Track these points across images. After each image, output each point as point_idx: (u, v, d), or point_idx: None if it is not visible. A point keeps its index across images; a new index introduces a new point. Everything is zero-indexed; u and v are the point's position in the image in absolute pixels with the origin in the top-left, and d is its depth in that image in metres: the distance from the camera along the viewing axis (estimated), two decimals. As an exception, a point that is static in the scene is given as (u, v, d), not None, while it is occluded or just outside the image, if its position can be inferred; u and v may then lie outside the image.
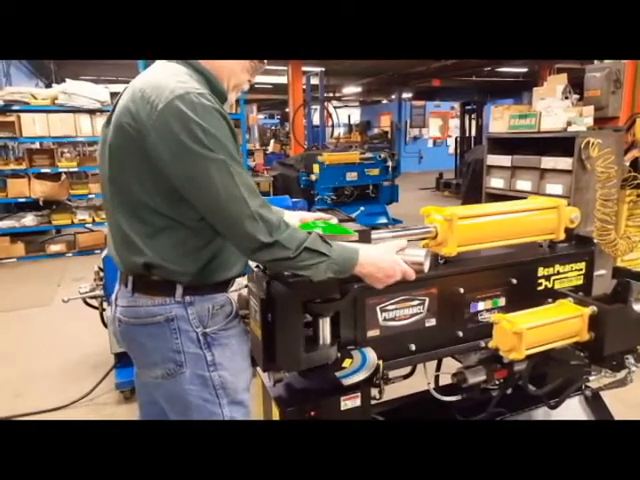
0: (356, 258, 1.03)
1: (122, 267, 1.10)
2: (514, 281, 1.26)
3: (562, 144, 3.31)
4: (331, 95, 14.73)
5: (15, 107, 4.84)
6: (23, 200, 5.20)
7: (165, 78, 0.97)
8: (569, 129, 3.34)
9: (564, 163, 3.29)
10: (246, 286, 1.30)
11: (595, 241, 1.39)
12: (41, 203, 5.25)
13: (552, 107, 3.53)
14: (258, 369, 1.17)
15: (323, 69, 8.68)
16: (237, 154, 0.99)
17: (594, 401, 1.48)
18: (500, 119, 4.01)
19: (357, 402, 1.08)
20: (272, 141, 12.48)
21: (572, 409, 1.44)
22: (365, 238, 1.12)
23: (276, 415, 1.08)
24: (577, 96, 3.67)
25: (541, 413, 1.39)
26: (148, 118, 0.94)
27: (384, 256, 1.07)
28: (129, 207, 1.05)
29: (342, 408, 1.07)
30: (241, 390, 1.11)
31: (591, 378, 1.32)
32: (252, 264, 1.17)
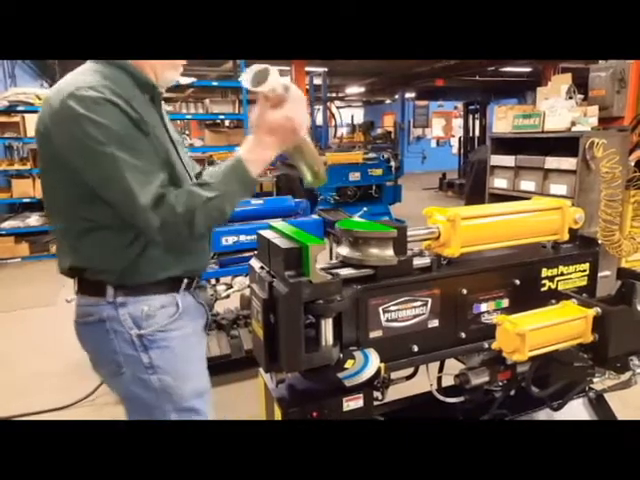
0: (241, 164, 1.00)
1: (59, 268, 1.13)
2: (517, 282, 1.25)
3: (566, 144, 3.30)
4: (334, 95, 14.72)
5: (20, 108, 4.86)
6: (27, 200, 5.22)
7: (68, 78, 0.99)
8: (573, 129, 3.33)
9: (568, 163, 3.27)
10: (249, 286, 1.30)
11: (599, 242, 1.39)
12: (45, 203, 5.26)
13: (556, 107, 3.52)
14: (260, 370, 1.17)
15: (326, 69, 8.68)
16: (135, 142, 0.96)
17: (598, 403, 1.47)
18: (504, 119, 4.00)
19: (359, 403, 1.08)
20: (275, 141, 12.45)
21: (575, 411, 1.43)
22: (402, 234, 1.12)
23: (278, 416, 1.08)
24: (581, 96, 3.66)
25: (544, 415, 1.38)
26: (50, 120, 0.96)
27: (263, 127, 1.01)
28: (56, 211, 1.08)
29: (344, 409, 1.07)
30: (189, 396, 1.10)
31: (595, 380, 1.31)
32: (254, 264, 1.16)
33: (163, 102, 1.17)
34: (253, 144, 1.04)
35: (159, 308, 1.08)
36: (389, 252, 1.11)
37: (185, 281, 1.13)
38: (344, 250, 1.14)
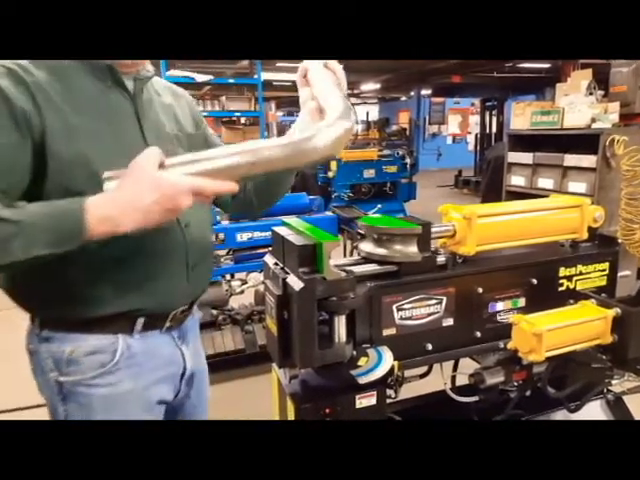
0: (80, 208, 0.73)
1: None
2: (534, 281, 1.23)
3: (586, 141, 3.24)
4: (349, 92, 14.68)
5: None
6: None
7: None
8: (593, 126, 3.27)
9: (588, 161, 3.22)
10: (263, 282, 1.30)
11: (619, 241, 1.36)
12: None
13: (576, 103, 3.46)
14: (274, 365, 1.17)
15: (342, 66, 8.65)
16: None
17: (616, 405, 1.44)
18: (521, 115, 3.95)
19: (372, 400, 1.08)
20: (290, 138, 12.48)
21: (593, 413, 1.40)
22: (427, 231, 1.10)
23: (291, 411, 1.08)
24: (602, 92, 3.59)
25: (560, 416, 1.36)
26: None
27: (139, 183, 0.74)
28: None
29: (357, 406, 1.07)
30: None
31: (613, 382, 1.29)
32: (269, 261, 1.17)
33: (151, 92, 1.02)
34: (119, 196, 0.75)
35: (87, 354, 0.87)
36: (413, 249, 1.11)
37: (140, 321, 0.91)
38: (367, 246, 1.14)
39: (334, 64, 1.02)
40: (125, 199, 0.75)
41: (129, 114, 0.95)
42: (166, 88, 1.14)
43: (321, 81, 1.00)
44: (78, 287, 0.85)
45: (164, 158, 0.80)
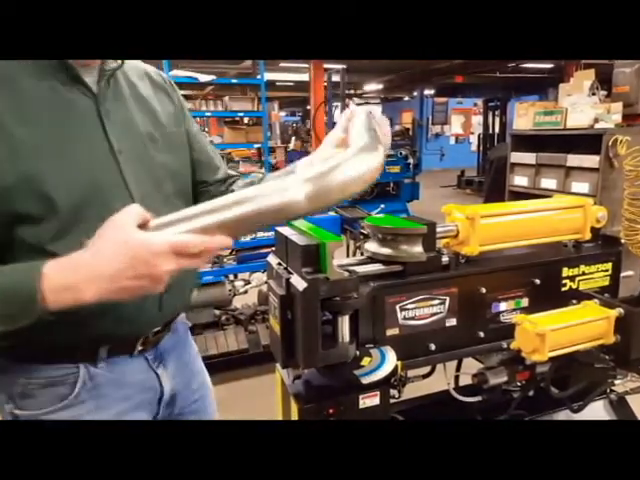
0: (35, 275, 0.61)
1: None
2: (537, 281, 1.24)
3: (588, 141, 3.23)
4: (352, 92, 14.67)
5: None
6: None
7: None
8: (596, 126, 3.26)
9: (590, 161, 3.21)
10: (266, 282, 1.30)
11: (622, 241, 1.36)
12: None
13: (579, 103, 3.45)
14: (277, 365, 1.18)
15: (345, 66, 8.66)
16: None
17: (619, 405, 1.44)
18: (524, 116, 3.94)
19: (376, 400, 1.08)
20: (293, 138, 12.53)
21: (596, 413, 1.40)
22: (432, 231, 1.09)
23: (294, 411, 1.08)
24: (605, 92, 3.58)
25: (563, 416, 1.36)
26: None
27: (108, 244, 0.61)
28: None
29: (361, 406, 1.07)
30: None
31: (616, 382, 1.29)
32: (272, 261, 1.17)
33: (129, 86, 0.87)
34: (82, 260, 0.63)
35: (42, 387, 0.76)
36: (418, 248, 1.11)
37: (104, 348, 0.80)
38: (372, 246, 1.14)
39: (377, 112, 0.91)
40: (89, 263, 0.62)
41: (90, 116, 0.81)
42: (144, 76, 0.97)
43: (359, 121, 0.92)
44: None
45: (148, 217, 0.67)
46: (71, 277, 0.62)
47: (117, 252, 0.60)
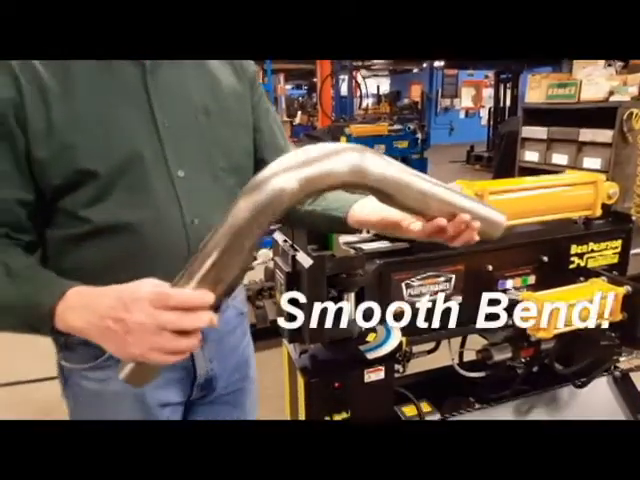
0: (46, 302, 0.62)
1: None
2: (545, 259, 1.23)
3: (603, 115, 3.15)
4: (359, 64, 14.35)
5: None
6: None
7: None
8: (611, 99, 3.17)
9: (604, 136, 3.13)
10: (272, 259, 1.31)
11: (633, 218, 1.34)
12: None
13: (594, 75, 3.35)
14: (284, 340, 1.19)
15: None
16: None
17: (623, 382, 1.45)
18: (537, 88, 3.84)
19: (381, 375, 1.10)
20: (299, 112, 12.36)
21: (599, 389, 1.42)
22: None
23: (301, 384, 1.11)
24: (621, 63, 3.46)
25: (567, 392, 1.37)
26: None
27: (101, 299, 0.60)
28: None
29: (366, 380, 1.09)
30: None
31: (621, 359, 1.29)
32: (278, 238, 1.17)
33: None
34: (88, 291, 0.63)
35: (81, 343, 0.75)
36: None
37: None
38: None
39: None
40: (91, 293, 0.63)
41: (134, 85, 0.76)
42: None
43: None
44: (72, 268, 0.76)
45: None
46: (87, 309, 0.62)
47: (113, 289, 0.60)
